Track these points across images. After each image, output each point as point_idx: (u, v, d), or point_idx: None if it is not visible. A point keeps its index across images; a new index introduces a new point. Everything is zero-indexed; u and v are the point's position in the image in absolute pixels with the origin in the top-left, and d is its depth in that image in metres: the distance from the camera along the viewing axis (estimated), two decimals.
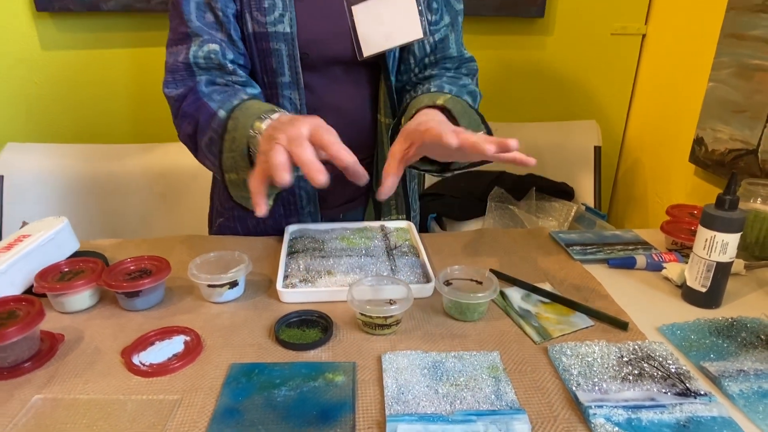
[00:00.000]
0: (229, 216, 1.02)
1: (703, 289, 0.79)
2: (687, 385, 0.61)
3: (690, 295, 0.81)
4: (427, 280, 0.81)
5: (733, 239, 0.75)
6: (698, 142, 1.33)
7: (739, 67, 1.20)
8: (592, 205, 1.56)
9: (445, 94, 0.81)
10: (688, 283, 0.81)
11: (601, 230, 1.07)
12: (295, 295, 0.78)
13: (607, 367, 0.64)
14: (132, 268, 0.79)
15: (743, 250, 0.95)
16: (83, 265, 0.80)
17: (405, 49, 0.91)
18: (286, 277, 0.82)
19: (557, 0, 1.60)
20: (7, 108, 1.52)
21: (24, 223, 0.92)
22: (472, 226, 1.38)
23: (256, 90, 0.82)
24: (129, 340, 0.68)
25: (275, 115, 0.67)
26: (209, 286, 0.77)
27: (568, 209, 1.44)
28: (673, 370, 0.64)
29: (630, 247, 0.97)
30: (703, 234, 0.77)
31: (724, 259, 0.76)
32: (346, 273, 0.83)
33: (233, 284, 0.78)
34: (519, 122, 1.67)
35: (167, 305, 0.78)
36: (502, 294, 0.80)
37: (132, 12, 1.46)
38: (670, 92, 1.52)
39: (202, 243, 0.96)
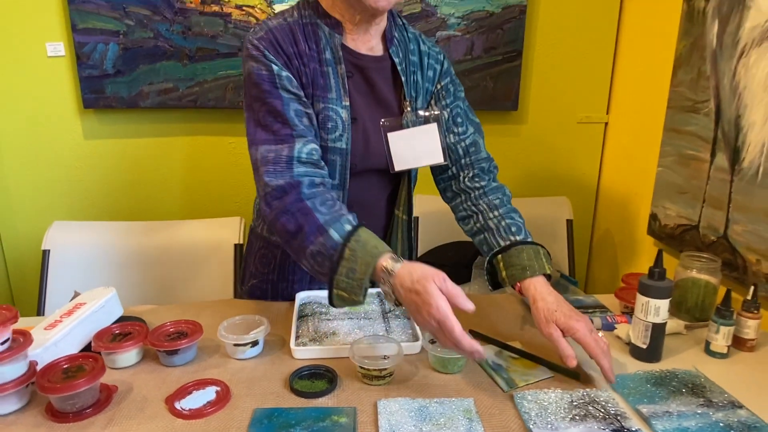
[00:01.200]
0: (263, 279, 1.18)
1: (644, 346, 0.95)
2: (622, 423, 0.77)
3: (635, 351, 0.97)
4: (416, 339, 0.97)
5: (663, 304, 0.92)
6: (653, 217, 1.53)
7: (679, 156, 1.42)
8: (566, 271, 1.74)
9: (540, 257, 1.02)
10: (632, 341, 0.97)
11: (566, 296, 1.24)
12: (306, 353, 0.94)
13: (559, 410, 0.79)
14: (171, 330, 0.95)
15: (685, 312, 1.12)
16: (131, 328, 0.96)
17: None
18: (297, 337, 0.98)
19: (529, 94, 1.87)
20: (53, 190, 1.73)
21: (76, 293, 1.09)
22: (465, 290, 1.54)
23: (332, 185, 1.00)
24: (171, 390, 0.84)
25: (397, 269, 0.83)
26: (235, 345, 0.93)
27: None
28: (612, 412, 0.79)
29: (589, 311, 1.14)
30: (640, 300, 0.94)
31: (658, 320, 0.93)
32: (348, 333, 0.99)
33: (254, 343, 0.94)
34: None
35: (199, 361, 0.94)
36: None
37: (165, 108, 1.70)
38: (631, 173, 1.75)
39: (225, 307, 1.12)
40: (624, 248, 1.79)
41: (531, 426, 0.75)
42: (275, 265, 1.15)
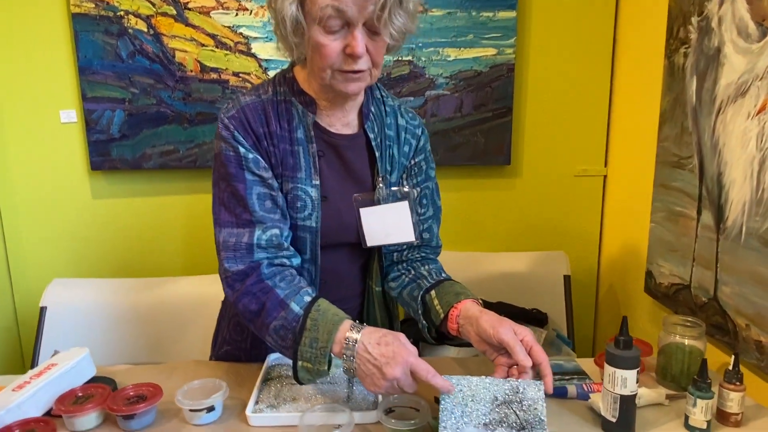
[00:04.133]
0: (236, 346, 1.18)
1: (613, 419, 0.89)
2: None
3: (605, 425, 0.91)
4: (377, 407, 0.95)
5: (630, 375, 0.88)
6: (649, 275, 1.47)
7: (668, 212, 1.38)
8: (564, 331, 1.67)
9: (465, 290, 1.02)
10: (602, 413, 0.92)
11: (551, 358, 1.19)
12: (262, 420, 0.93)
13: (479, 408, 0.80)
14: (131, 393, 0.96)
15: (671, 380, 1.05)
16: (94, 390, 0.97)
17: None
18: (257, 402, 0.97)
19: (523, 148, 1.87)
20: (61, 247, 1.83)
21: (56, 352, 1.12)
22: (448, 351, 1.51)
23: (298, 263, 1.01)
24: None
25: (359, 341, 0.84)
26: (191, 410, 0.93)
27: (538, 335, 1.55)
28: (529, 420, 0.78)
29: (566, 377, 1.09)
30: (607, 370, 0.90)
31: (626, 392, 0.88)
32: (309, 398, 0.98)
33: (210, 409, 0.93)
34: (491, 252, 1.86)
35: (158, 425, 0.94)
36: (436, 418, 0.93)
37: (167, 168, 1.79)
38: (630, 227, 1.70)
39: (198, 368, 1.13)
40: (627, 307, 1.71)
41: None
42: (249, 333, 1.15)
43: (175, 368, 1.15)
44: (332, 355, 0.86)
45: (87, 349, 1.10)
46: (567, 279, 1.72)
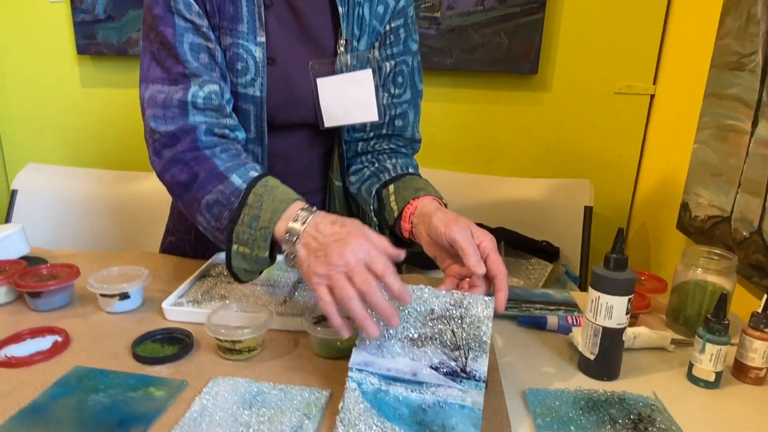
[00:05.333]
0: (180, 238, 1.08)
1: (592, 356, 0.71)
2: (465, 364, 0.60)
3: (583, 364, 0.74)
4: None
5: (619, 303, 0.68)
6: (684, 207, 1.22)
7: (717, 128, 1.10)
8: (577, 267, 1.46)
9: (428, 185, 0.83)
10: (580, 348, 0.74)
11: (532, 289, 1.00)
12: (177, 314, 0.81)
13: (410, 321, 0.64)
14: (45, 272, 0.86)
15: (683, 324, 0.85)
16: (9, 266, 0.89)
17: None
18: (182, 296, 0.85)
19: (555, 55, 1.59)
20: (47, 134, 1.77)
21: None
22: (438, 274, 1.34)
23: (243, 138, 0.84)
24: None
25: (310, 219, 0.65)
26: (101, 295, 0.82)
27: (542, 269, 1.36)
28: (465, 339, 0.61)
29: (551, 308, 0.90)
30: (590, 295, 0.71)
31: (611, 324, 0.69)
32: (238, 299, 0.85)
33: (123, 296, 0.82)
34: (506, 176, 1.64)
35: (70, 309, 0.84)
36: None
37: None
38: (672, 153, 1.43)
39: (141, 259, 1.02)
40: (656, 246, 1.47)
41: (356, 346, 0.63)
42: (193, 224, 1.02)
43: (120, 257, 1.05)
44: (276, 239, 0.68)
45: (20, 225, 1.01)
46: (588, 211, 1.49)
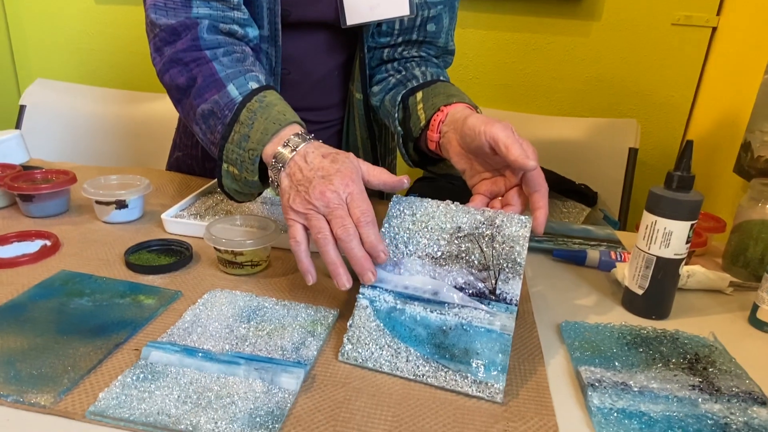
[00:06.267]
0: (187, 153, 1.00)
1: (641, 291, 0.62)
2: (496, 287, 0.51)
3: (627, 300, 0.64)
4: None
5: (679, 228, 0.58)
6: (745, 147, 1.09)
7: None
8: (616, 212, 1.35)
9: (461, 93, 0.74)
10: (626, 283, 0.64)
11: (571, 223, 0.90)
12: (177, 227, 0.74)
13: (432, 238, 0.55)
14: (38, 176, 0.80)
15: (743, 267, 0.75)
16: (2, 170, 0.83)
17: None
18: (183, 209, 0.79)
19: None
20: (59, 51, 1.70)
21: None
22: None
23: (256, 37, 0.74)
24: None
25: (301, 147, 0.58)
26: (97, 202, 0.76)
27: (578, 213, 1.25)
28: (498, 258, 0.52)
29: (592, 243, 0.80)
30: (645, 220, 0.61)
31: (667, 253, 0.59)
32: (243, 214, 0.78)
33: (121, 204, 0.76)
34: (545, 114, 1.50)
35: (66, 217, 0.78)
36: None
37: None
38: (733, 91, 1.27)
39: (148, 175, 0.95)
40: (708, 191, 1.34)
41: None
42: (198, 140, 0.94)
43: (122, 171, 0.98)
44: (264, 161, 0.60)
45: (19, 131, 0.95)
46: (632, 153, 1.36)
